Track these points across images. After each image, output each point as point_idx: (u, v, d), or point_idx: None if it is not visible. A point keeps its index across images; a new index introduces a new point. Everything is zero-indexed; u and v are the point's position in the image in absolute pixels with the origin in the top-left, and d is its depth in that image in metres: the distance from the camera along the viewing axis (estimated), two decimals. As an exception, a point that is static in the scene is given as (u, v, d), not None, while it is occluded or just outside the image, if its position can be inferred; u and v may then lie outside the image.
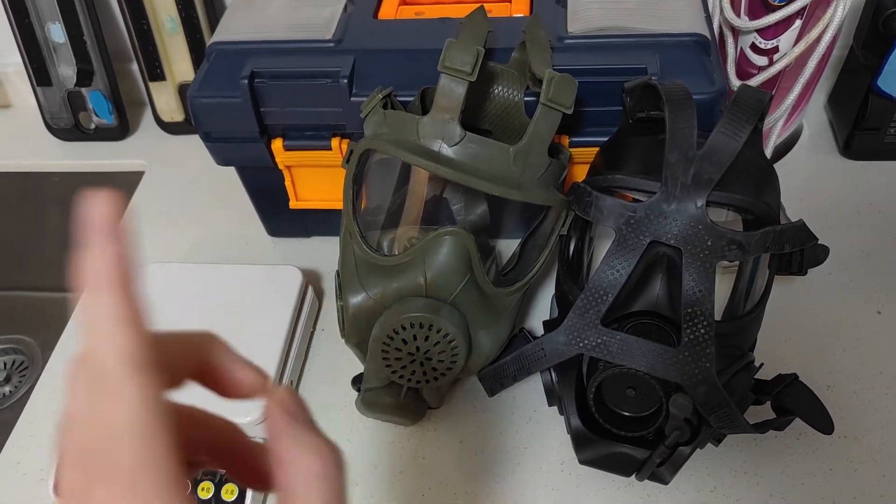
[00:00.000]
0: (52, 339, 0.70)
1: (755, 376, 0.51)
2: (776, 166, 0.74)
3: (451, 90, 0.48)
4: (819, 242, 0.51)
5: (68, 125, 0.88)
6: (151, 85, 0.84)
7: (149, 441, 0.21)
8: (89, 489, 0.21)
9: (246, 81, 0.57)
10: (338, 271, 0.54)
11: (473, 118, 0.60)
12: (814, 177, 0.74)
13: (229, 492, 0.54)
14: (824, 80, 0.76)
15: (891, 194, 0.72)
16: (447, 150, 0.48)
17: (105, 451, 0.21)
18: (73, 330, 0.69)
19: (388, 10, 0.63)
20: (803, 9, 0.60)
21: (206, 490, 0.54)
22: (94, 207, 0.22)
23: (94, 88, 0.84)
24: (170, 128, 0.87)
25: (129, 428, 0.21)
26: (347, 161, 0.53)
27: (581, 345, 0.47)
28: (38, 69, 0.84)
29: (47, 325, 0.93)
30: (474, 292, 0.50)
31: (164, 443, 0.21)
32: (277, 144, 0.61)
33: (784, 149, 0.76)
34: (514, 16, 0.62)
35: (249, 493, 0.54)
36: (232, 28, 0.62)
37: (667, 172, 0.46)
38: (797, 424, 0.50)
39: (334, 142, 0.60)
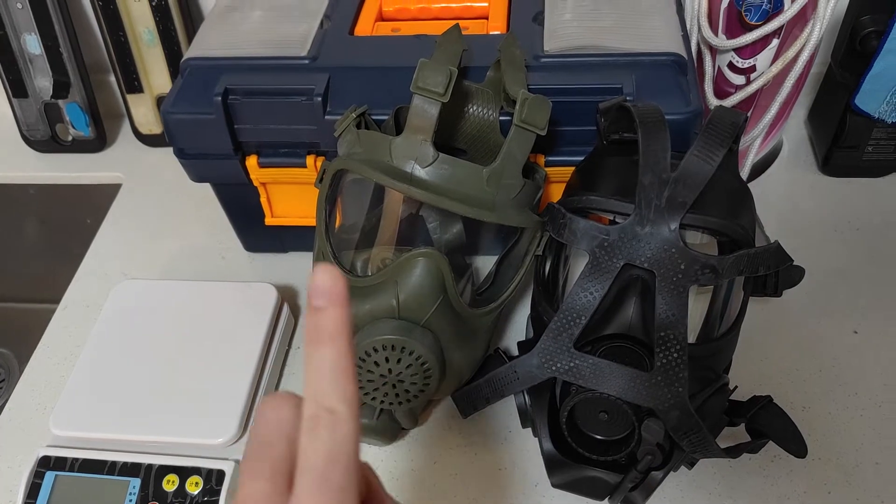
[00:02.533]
0: (28, 351, 0.69)
1: (730, 398, 0.50)
2: (755, 183, 0.74)
3: (424, 111, 0.48)
4: (794, 263, 0.51)
5: (45, 137, 0.87)
6: (129, 97, 0.83)
7: None
8: None
9: (219, 98, 0.57)
10: (311, 291, 0.53)
11: (448, 137, 0.60)
12: (792, 193, 0.75)
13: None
14: (804, 97, 0.77)
15: (869, 212, 0.72)
16: (420, 172, 0.48)
17: None
18: (50, 342, 0.69)
19: (365, 27, 0.63)
20: (780, 28, 0.60)
21: (175, 513, 0.53)
22: (321, 276, 0.26)
23: (71, 100, 0.83)
24: (147, 140, 0.86)
25: None
26: (321, 181, 0.53)
27: (553, 368, 0.47)
28: (14, 81, 0.83)
29: (24, 337, 0.92)
30: (448, 313, 0.50)
31: None
32: (252, 161, 0.61)
33: (764, 165, 0.76)
34: (491, 33, 0.62)
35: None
36: (207, 43, 0.62)
37: (640, 195, 0.46)
38: (772, 446, 0.49)
39: (309, 159, 0.60)
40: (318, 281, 0.26)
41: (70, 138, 0.87)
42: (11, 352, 0.95)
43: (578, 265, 0.59)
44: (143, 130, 0.86)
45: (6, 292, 0.96)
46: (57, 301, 0.73)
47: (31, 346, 0.69)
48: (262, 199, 0.64)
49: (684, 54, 0.57)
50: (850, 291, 0.65)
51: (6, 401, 0.65)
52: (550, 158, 0.58)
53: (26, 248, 0.94)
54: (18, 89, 0.83)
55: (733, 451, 0.48)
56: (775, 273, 0.52)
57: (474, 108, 0.58)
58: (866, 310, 0.64)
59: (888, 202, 0.73)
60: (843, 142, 0.72)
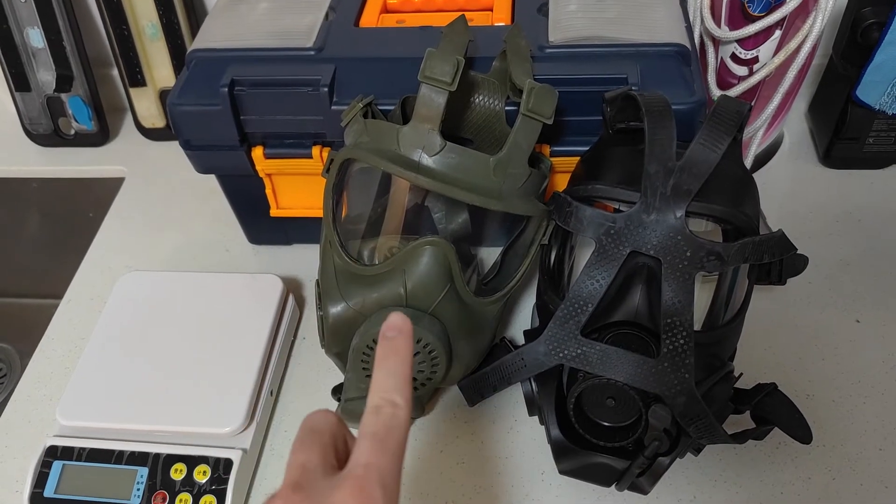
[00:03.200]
0: (30, 346, 0.69)
1: (735, 386, 0.51)
2: (757, 175, 0.75)
3: (432, 100, 0.48)
4: (798, 252, 0.52)
5: (47, 131, 0.87)
6: (132, 91, 0.83)
7: None
8: None
9: (226, 89, 0.57)
10: (318, 280, 0.54)
11: (454, 127, 0.60)
12: (794, 185, 0.75)
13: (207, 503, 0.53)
14: (805, 89, 0.77)
15: (870, 203, 0.72)
16: (427, 160, 0.48)
17: None
18: (55, 334, 0.69)
19: (370, 19, 0.63)
20: (783, 19, 0.60)
21: (183, 501, 0.53)
22: (396, 318, 0.36)
23: (74, 94, 0.84)
24: (150, 134, 0.87)
25: None
26: (327, 170, 0.53)
27: (561, 355, 0.47)
28: (17, 75, 0.83)
29: (26, 333, 0.92)
30: (455, 302, 0.50)
31: None
32: (258, 152, 0.61)
33: (765, 157, 0.76)
34: (496, 24, 0.62)
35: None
36: (212, 35, 0.62)
37: (646, 183, 0.46)
38: (777, 433, 0.50)
39: (315, 150, 0.60)
40: (392, 321, 0.36)
41: (72, 132, 0.87)
42: (13, 346, 0.95)
43: (584, 254, 0.59)
44: (146, 124, 0.86)
45: (7, 287, 0.96)
46: (58, 296, 0.73)
47: (33, 340, 0.69)
48: (268, 191, 0.65)
49: (688, 45, 0.58)
50: (853, 281, 0.66)
51: (9, 395, 0.65)
52: (556, 148, 0.59)
53: (28, 243, 0.94)
54: (21, 83, 0.84)
55: (739, 438, 0.49)
56: (779, 261, 0.52)
57: (480, 97, 0.59)
58: (868, 299, 0.64)
59: (889, 193, 0.73)
60: (844, 133, 0.72)
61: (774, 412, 0.50)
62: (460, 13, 0.57)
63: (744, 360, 0.54)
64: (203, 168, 0.64)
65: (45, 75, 0.83)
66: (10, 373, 0.93)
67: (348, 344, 0.51)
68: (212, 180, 0.67)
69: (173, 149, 0.85)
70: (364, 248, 0.59)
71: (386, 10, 0.65)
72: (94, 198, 0.87)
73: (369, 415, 0.32)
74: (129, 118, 0.89)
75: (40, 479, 0.55)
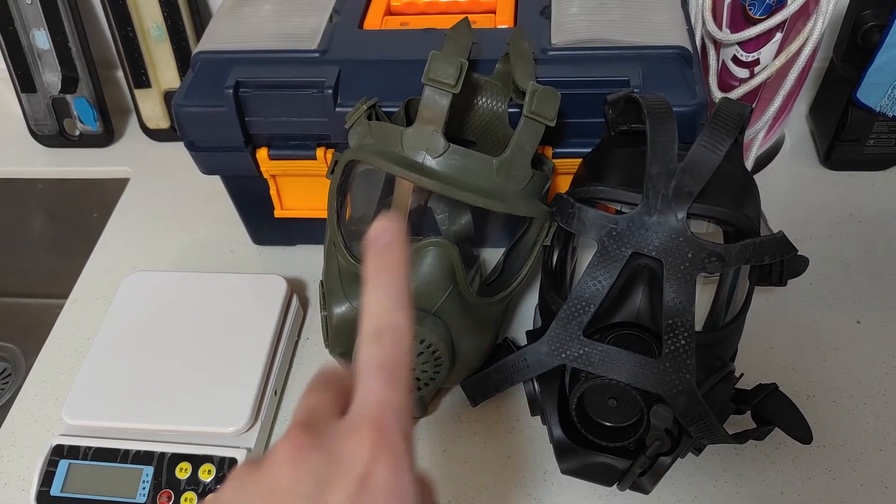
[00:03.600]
0: (35, 346, 0.69)
1: (735, 386, 0.51)
2: (758, 176, 0.75)
3: (435, 102, 0.48)
4: (799, 253, 0.52)
5: (52, 132, 0.87)
6: (137, 92, 0.84)
7: None
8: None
9: (231, 91, 0.57)
10: (322, 281, 0.54)
11: (457, 129, 0.60)
12: (795, 187, 0.75)
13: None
14: (806, 91, 0.77)
15: (870, 205, 0.73)
16: (431, 162, 0.49)
17: None
18: (60, 334, 0.69)
19: (374, 21, 0.63)
20: (784, 22, 0.61)
21: (188, 500, 0.54)
22: (383, 222, 0.29)
23: (79, 95, 0.84)
24: (155, 135, 0.87)
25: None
26: (332, 172, 0.53)
27: (563, 356, 0.48)
28: (23, 76, 0.83)
29: (30, 332, 0.93)
30: (458, 302, 0.51)
31: None
32: (262, 154, 0.61)
33: (766, 159, 0.77)
34: (499, 27, 0.62)
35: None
36: (217, 37, 0.63)
37: (648, 185, 0.47)
38: (777, 433, 0.50)
39: (319, 151, 0.61)
40: (381, 225, 0.29)
41: (78, 133, 0.87)
42: (17, 346, 0.95)
43: (586, 255, 0.59)
44: (151, 125, 0.86)
45: (12, 286, 0.97)
46: (63, 296, 0.73)
47: (38, 339, 0.70)
48: (272, 192, 0.65)
49: (689, 47, 0.58)
50: (853, 282, 0.66)
51: (14, 393, 0.65)
52: (558, 150, 0.59)
53: (33, 243, 0.95)
54: (27, 84, 0.84)
55: (740, 438, 0.49)
56: (780, 262, 0.52)
57: (483, 100, 0.59)
58: (868, 300, 0.65)
59: (889, 195, 0.73)
60: (845, 135, 0.73)
61: (775, 412, 0.50)
62: (463, 16, 0.57)
63: (744, 360, 0.55)
64: (208, 169, 0.64)
65: (50, 76, 0.84)
66: (14, 372, 0.93)
67: (352, 344, 0.51)
68: (216, 181, 0.67)
69: (178, 150, 0.86)
70: (368, 249, 0.60)
71: (389, 12, 0.65)
72: (99, 198, 0.88)
73: (370, 342, 0.27)
74: (133, 119, 0.89)
75: (47, 478, 0.55)
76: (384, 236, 0.29)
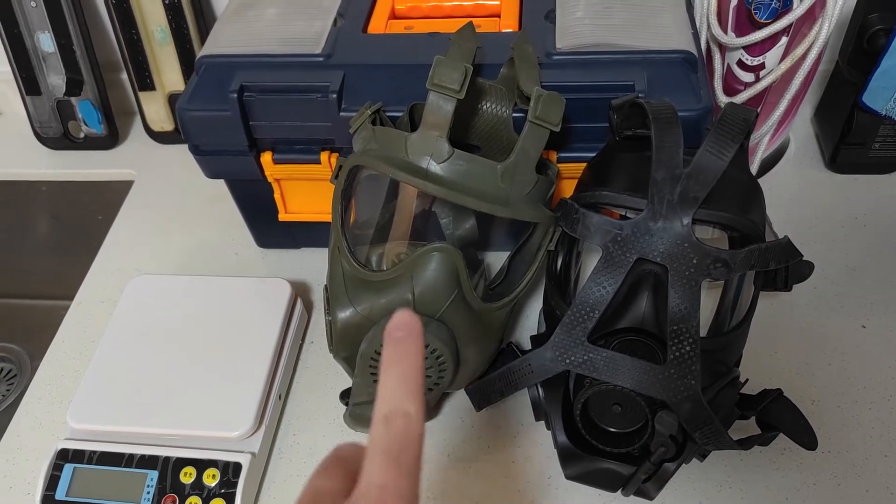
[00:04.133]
0: (39, 348, 0.69)
1: (740, 391, 0.51)
2: (763, 180, 0.75)
3: (440, 107, 0.48)
4: (804, 258, 0.52)
5: (57, 134, 0.87)
6: (141, 94, 0.84)
7: None
8: None
9: (235, 95, 0.57)
10: (326, 285, 0.54)
11: (462, 134, 0.60)
12: (800, 190, 0.75)
13: (217, 506, 0.54)
14: (810, 94, 0.77)
15: (875, 208, 0.73)
16: (435, 167, 0.48)
17: None
18: (65, 337, 0.69)
19: (378, 25, 0.63)
20: (789, 26, 0.61)
21: (193, 504, 0.54)
22: (402, 315, 0.31)
23: (84, 98, 0.84)
24: (159, 137, 0.87)
25: None
26: (336, 176, 0.53)
27: (567, 361, 0.47)
28: (27, 78, 0.84)
29: (35, 334, 0.93)
30: (462, 308, 0.51)
31: None
32: (267, 158, 0.61)
33: (771, 162, 0.77)
34: (503, 31, 0.62)
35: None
36: (221, 41, 0.63)
37: (653, 190, 0.47)
38: (782, 439, 0.50)
39: (323, 156, 0.61)
40: (399, 318, 0.31)
41: (82, 135, 0.88)
42: (23, 348, 0.96)
43: (590, 260, 0.59)
44: (155, 128, 0.87)
45: (17, 288, 0.97)
46: (68, 297, 0.73)
47: (43, 342, 0.70)
48: (276, 196, 0.65)
49: (695, 52, 0.58)
50: (858, 287, 0.66)
51: (20, 396, 0.65)
52: (562, 154, 0.59)
53: (37, 245, 0.95)
54: (32, 87, 0.84)
55: (745, 444, 0.49)
56: (785, 268, 0.52)
57: (488, 104, 0.59)
58: (874, 305, 0.65)
59: (894, 198, 0.73)
60: (850, 139, 0.73)
61: (780, 418, 0.50)
62: (467, 20, 0.57)
63: (749, 366, 0.55)
64: (212, 173, 0.64)
65: (55, 79, 0.84)
66: (20, 374, 0.93)
67: (356, 349, 0.52)
68: (220, 184, 0.67)
69: (182, 152, 0.86)
70: (372, 254, 0.60)
71: (393, 16, 0.65)
72: (104, 201, 0.88)
73: (379, 426, 0.29)
74: (138, 122, 0.89)
75: (52, 482, 0.55)
76: (402, 329, 0.31)
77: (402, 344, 0.31)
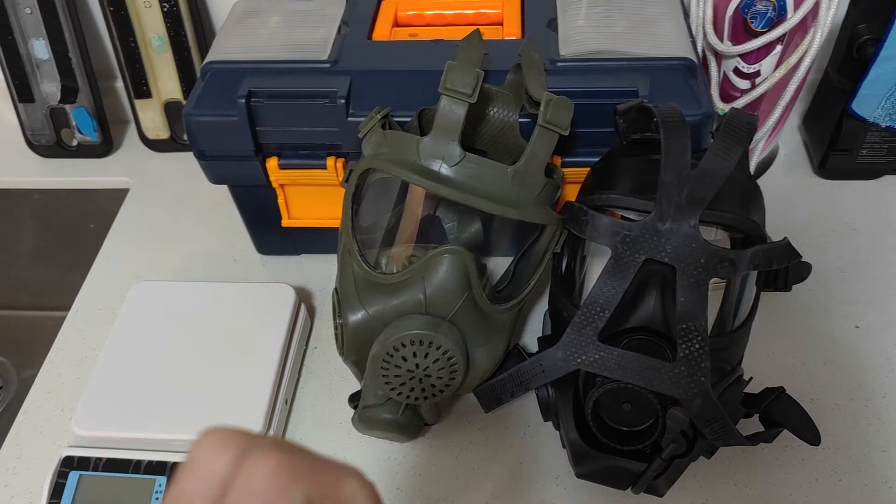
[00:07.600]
0: (26, 359, 0.68)
1: (744, 390, 0.52)
2: (755, 186, 0.76)
3: (452, 111, 0.49)
4: (802, 260, 0.53)
5: (50, 142, 0.87)
6: (137, 102, 0.84)
7: None
8: None
9: (243, 101, 0.58)
10: (336, 289, 0.54)
11: (469, 139, 0.61)
12: (790, 195, 0.77)
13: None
14: (798, 103, 0.79)
15: (864, 213, 0.75)
16: (447, 170, 0.49)
17: None
18: (64, 345, 0.69)
19: (382, 32, 0.64)
20: (784, 35, 0.62)
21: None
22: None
23: (79, 105, 0.84)
24: (155, 145, 0.87)
25: None
26: (347, 180, 0.54)
27: (579, 360, 0.48)
28: (21, 86, 0.83)
29: (23, 345, 0.92)
30: (472, 309, 0.51)
31: None
32: (272, 163, 0.62)
33: (761, 169, 0.78)
34: (507, 38, 0.63)
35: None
36: (227, 47, 0.63)
37: (662, 192, 0.48)
38: (784, 437, 0.51)
39: (329, 161, 0.61)
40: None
41: (75, 143, 0.87)
42: (9, 359, 0.94)
43: (595, 262, 0.60)
44: (151, 136, 0.86)
45: (6, 299, 0.96)
46: (57, 308, 0.72)
47: (30, 354, 0.69)
48: (280, 201, 0.65)
49: (694, 59, 0.59)
50: (850, 288, 0.68)
51: (6, 407, 0.64)
52: (567, 159, 0.60)
53: (28, 254, 0.94)
54: (25, 94, 0.84)
55: (752, 440, 0.50)
56: (786, 268, 0.54)
57: (495, 110, 0.60)
58: (866, 306, 0.66)
59: (882, 203, 0.75)
60: (839, 145, 0.75)
61: (783, 415, 0.51)
62: (471, 27, 0.58)
63: (749, 364, 0.56)
64: (216, 178, 0.64)
65: (49, 86, 0.83)
66: (6, 385, 0.92)
67: (366, 352, 0.52)
68: (216, 191, 0.67)
69: (177, 160, 0.86)
70: (381, 257, 0.60)
71: (397, 24, 0.66)
72: (97, 209, 0.87)
73: None
74: (131, 129, 0.89)
75: (57, 490, 0.55)
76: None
77: None
